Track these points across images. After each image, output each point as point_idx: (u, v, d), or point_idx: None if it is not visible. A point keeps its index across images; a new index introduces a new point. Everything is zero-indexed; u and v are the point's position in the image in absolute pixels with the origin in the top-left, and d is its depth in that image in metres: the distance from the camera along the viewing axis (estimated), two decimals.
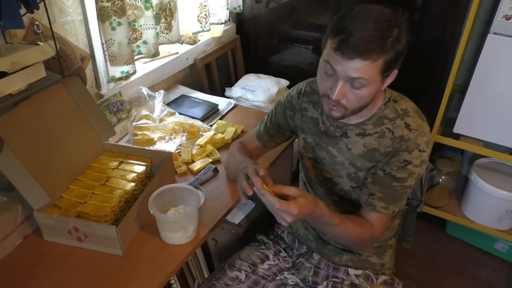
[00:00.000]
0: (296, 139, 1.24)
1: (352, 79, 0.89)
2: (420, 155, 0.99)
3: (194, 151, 1.43)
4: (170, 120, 1.56)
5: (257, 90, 1.97)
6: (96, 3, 1.38)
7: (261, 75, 2.09)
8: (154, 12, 1.60)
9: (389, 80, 0.95)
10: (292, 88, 1.20)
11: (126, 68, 1.56)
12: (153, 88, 1.77)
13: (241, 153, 1.21)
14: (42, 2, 1.13)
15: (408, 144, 0.98)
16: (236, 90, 2.01)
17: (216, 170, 1.35)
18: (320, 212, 0.95)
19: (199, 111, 1.68)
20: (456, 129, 1.79)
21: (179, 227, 1.06)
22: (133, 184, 1.17)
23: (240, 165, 1.09)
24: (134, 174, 1.20)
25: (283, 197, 0.92)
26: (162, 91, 1.64)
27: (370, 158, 1.03)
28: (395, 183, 1.01)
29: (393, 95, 1.03)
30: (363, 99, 0.93)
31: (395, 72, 0.93)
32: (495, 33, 1.55)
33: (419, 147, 0.98)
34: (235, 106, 1.79)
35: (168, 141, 1.48)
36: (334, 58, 0.88)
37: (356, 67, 0.86)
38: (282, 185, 0.93)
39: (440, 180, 1.98)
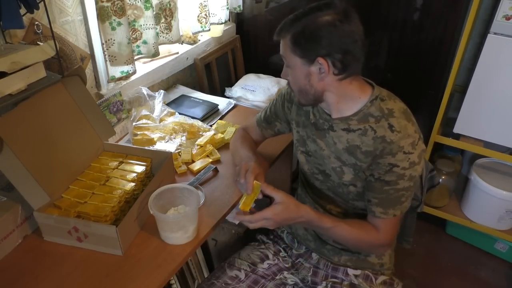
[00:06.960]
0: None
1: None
2: (407, 157, 0.96)
3: (194, 151, 1.43)
4: (170, 120, 1.56)
5: (257, 90, 1.97)
6: (96, 3, 1.38)
7: (261, 75, 2.09)
8: (154, 12, 1.60)
9: (321, 72, 0.95)
10: None
11: (126, 68, 1.56)
12: (153, 88, 1.77)
13: (244, 145, 1.26)
14: (42, 2, 1.13)
15: (391, 147, 0.96)
16: (236, 90, 2.01)
17: (216, 170, 1.35)
18: (307, 217, 1.02)
19: (199, 111, 1.68)
20: (456, 129, 1.79)
21: (179, 227, 1.06)
22: (133, 184, 1.17)
23: (242, 161, 1.15)
24: (134, 174, 1.21)
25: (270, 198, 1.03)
26: (162, 91, 1.64)
27: (352, 154, 1.03)
28: (386, 187, 1.00)
29: (382, 94, 1.01)
30: (293, 81, 1.02)
31: (321, 62, 0.93)
32: (495, 33, 1.55)
33: (403, 149, 0.96)
34: (235, 106, 1.80)
35: (168, 141, 1.48)
36: None
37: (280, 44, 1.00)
38: (273, 188, 1.02)
39: (440, 180, 1.98)
